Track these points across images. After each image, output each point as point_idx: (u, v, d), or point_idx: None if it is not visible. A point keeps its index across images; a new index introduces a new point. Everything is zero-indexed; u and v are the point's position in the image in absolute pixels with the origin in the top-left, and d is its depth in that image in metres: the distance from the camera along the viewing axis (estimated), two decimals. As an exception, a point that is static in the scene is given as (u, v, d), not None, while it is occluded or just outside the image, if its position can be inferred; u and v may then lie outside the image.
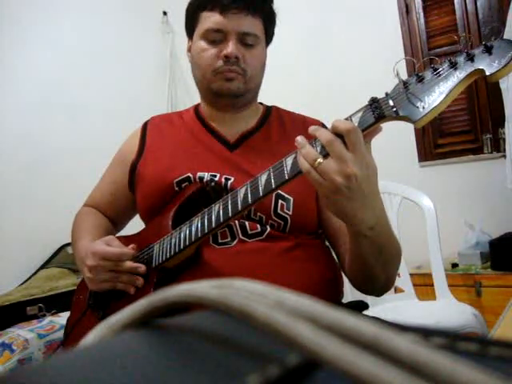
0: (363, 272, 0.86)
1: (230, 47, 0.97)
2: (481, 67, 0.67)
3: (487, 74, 0.66)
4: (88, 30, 2.83)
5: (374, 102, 0.73)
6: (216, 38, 0.98)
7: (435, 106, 0.68)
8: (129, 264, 0.88)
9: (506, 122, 2.24)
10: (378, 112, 0.72)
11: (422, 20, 2.70)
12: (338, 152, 0.68)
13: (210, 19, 0.98)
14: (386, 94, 0.73)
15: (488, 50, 0.67)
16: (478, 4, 2.53)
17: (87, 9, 2.84)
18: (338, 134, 0.69)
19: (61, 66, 2.66)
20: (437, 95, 0.69)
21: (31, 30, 2.58)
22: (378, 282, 0.88)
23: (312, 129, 0.72)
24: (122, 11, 3.03)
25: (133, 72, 2.98)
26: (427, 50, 2.67)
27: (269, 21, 1.04)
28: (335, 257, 1.01)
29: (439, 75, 0.70)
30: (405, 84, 0.71)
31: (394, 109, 0.71)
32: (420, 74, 0.71)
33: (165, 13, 3.21)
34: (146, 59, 3.10)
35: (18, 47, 2.52)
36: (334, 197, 0.70)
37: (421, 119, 0.69)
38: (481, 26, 2.53)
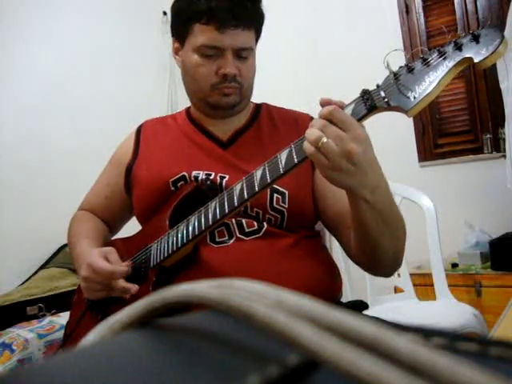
0: (369, 245, 0.85)
1: (229, 66, 0.95)
2: (469, 55, 0.69)
3: (475, 61, 0.68)
4: (88, 29, 2.83)
5: (366, 94, 0.75)
6: (211, 53, 0.96)
7: (426, 95, 0.70)
8: (120, 284, 0.86)
9: (505, 122, 2.24)
10: (369, 103, 0.74)
11: (422, 20, 2.70)
12: (333, 133, 0.70)
13: (206, 34, 0.95)
14: (378, 86, 0.75)
15: (475, 39, 0.69)
16: (478, 4, 2.53)
17: (87, 9, 2.84)
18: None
19: (60, 66, 2.66)
20: (427, 84, 0.71)
21: (31, 30, 2.58)
22: (385, 255, 0.86)
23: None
24: (122, 11, 3.03)
25: (133, 72, 2.98)
26: (427, 50, 2.67)
27: (260, 27, 1.03)
28: (340, 246, 1.00)
29: (428, 65, 0.72)
30: (395, 75, 0.73)
31: (386, 99, 0.73)
32: (410, 65, 0.73)
33: (165, 13, 3.21)
34: (146, 59, 3.10)
35: (18, 47, 2.52)
36: (339, 175, 0.72)
37: (412, 108, 0.71)
38: (481, 26, 2.53)
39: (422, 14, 2.70)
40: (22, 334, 1.79)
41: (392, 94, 0.72)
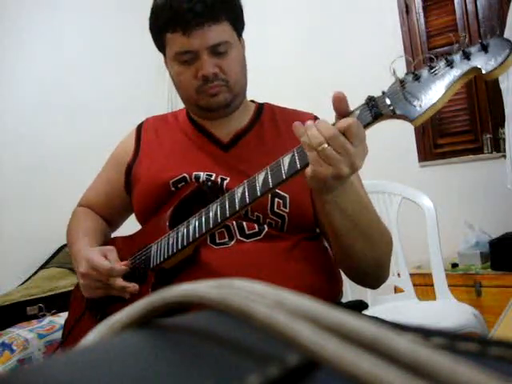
0: (343, 252, 0.86)
1: (205, 67, 0.93)
2: (477, 65, 0.67)
3: (483, 72, 0.67)
4: (88, 29, 2.83)
5: (371, 101, 0.73)
6: (187, 58, 0.95)
7: (432, 105, 0.69)
8: (118, 283, 0.86)
9: (505, 122, 2.24)
10: (374, 111, 0.72)
11: (422, 20, 2.70)
12: (341, 146, 0.69)
13: (176, 42, 0.94)
14: (383, 93, 0.73)
15: (484, 48, 0.67)
16: (478, 4, 2.53)
17: (87, 9, 2.84)
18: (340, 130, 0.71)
19: (60, 66, 2.66)
20: (433, 93, 0.69)
21: (31, 30, 2.58)
22: (362, 264, 0.87)
23: (311, 123, 0.73)
24: (122, 11, 3.03)
25: (133, 72, 2.98)
26: (427, 50, 2.67)
27: (235, 15, 0.99)
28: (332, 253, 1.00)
29: (436, 74, 0.70)
30: (401, 82, 0.72)
31: (391, 107, 0.71)
32: (416, 73, 0.71)
33: (165, 13, 3.20)
34: (146, 59, 3.09)
35: (18, 47, 2.52)
36: (332, 182, 0.72)
37: (418, 118, 0.69)
38: (481, 26, 2.53)
39: (421, 14, 2.70)
40: (22, 334, 1.79)
41: (398, 101, 0.71)
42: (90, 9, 2.85)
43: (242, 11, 1.01)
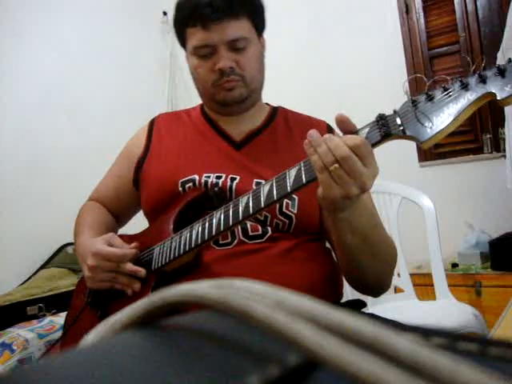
0: (351, 266, 0.87)
1: (221, 60, 0.95)
2: (492, 91, 0.65)
3: (498, 98, 0.64)
4: (88, 30, 2.83)
5: (382, 119, 0.71)
6: (205, 52, 0.97)
7: (443, 129, 0.66)
8: (129, 267, 0.88)
9: (505, 122, 2.24)
10: (384, 130, 0.71)
11: (422, 20, 2.70)
12: (353, 168, 0.68)
13: (195, 36, 0.97)
14: (394, 112, 0.71)
15: (501, 73, 0.65)
16: (478, 4, 2.53)
17: (87, 9, 2.84)
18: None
19: (61, 66, 2.66)
20: (445, 117, 0.67)
21: (31, 30, 2.58)
22: (367, 275, 0.87)
23: (325, 137, 0.71)
24: (122, 11, 3.03)
25: (133, 72, 2.98)
26: (427, 50, 2.67)
27: (256, 13, 1.00)
28: (335, 258, 1.01)
29: (449, 95, 0.68)
30: (413, 102, 0.70)
31: (401, 127, 0.70)
32: (430, 93, 0.69)
33: (165, 13, 3.20)
34: (146, 59, 3.10)
35: (18, 47, 2.52)
36: (342, 202, 0.71)
37: (428, 140, 0.67)
38: (481, 26, 2.53)
39: (421, 14, 2.70)
40: (22, 333, 1.79)
41: (409, 122, 0.69)
42: (90, 9, 2.85)
43: (263, 10, 1.02)
